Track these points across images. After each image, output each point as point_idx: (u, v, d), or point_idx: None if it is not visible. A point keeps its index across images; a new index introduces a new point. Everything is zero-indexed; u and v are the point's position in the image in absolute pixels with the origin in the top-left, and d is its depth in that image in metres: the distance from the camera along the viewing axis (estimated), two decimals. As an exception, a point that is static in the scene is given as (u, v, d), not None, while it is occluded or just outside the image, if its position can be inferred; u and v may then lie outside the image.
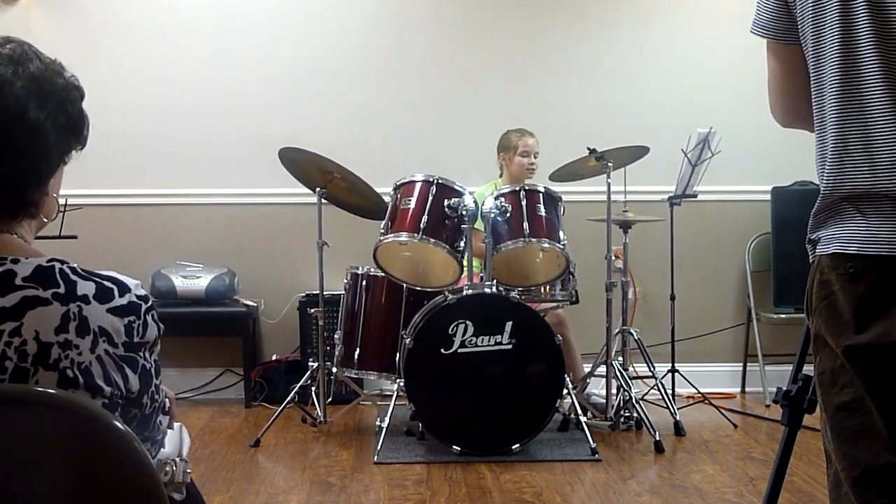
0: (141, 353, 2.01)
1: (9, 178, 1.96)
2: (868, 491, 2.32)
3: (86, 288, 1.94)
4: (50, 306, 1.90)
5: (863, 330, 2.25)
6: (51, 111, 1.97)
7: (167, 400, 2.20)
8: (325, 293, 6.34)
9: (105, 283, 1.98)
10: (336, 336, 6.39)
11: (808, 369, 2.70)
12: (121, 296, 1.98)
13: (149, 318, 2.03)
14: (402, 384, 5.90)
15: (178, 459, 2.11)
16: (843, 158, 2.30)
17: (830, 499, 2.44)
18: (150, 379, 2.04)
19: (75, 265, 1.97)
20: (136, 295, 2.01)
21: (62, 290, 1.92)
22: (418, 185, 6.00)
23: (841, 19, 2.29)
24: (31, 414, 1.85)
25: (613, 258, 6.39)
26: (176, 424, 2.35)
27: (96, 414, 1.85)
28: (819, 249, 2.37)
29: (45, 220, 2.09)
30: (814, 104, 2.40)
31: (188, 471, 2.13)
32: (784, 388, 2.76)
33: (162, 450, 2.23)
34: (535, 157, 6.81)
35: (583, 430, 5.90)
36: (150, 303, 2.04)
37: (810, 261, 2.43)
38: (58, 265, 1.95)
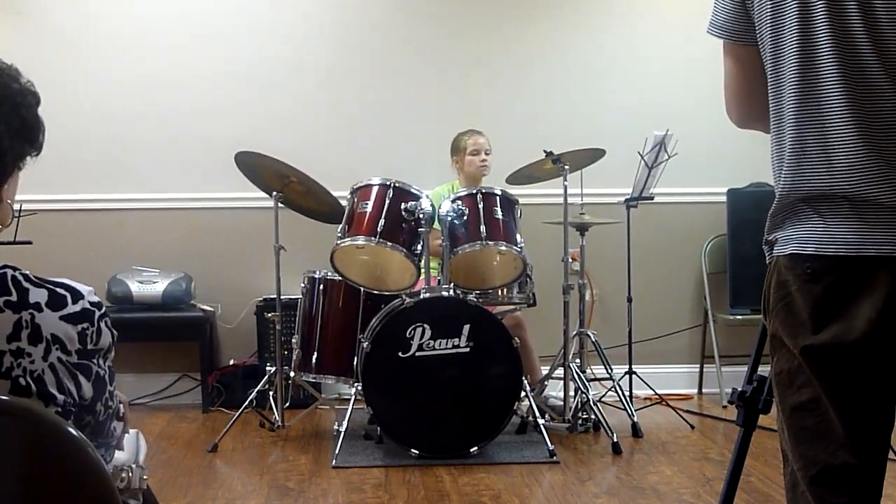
0: (94, 360, 2.00)
1: None
2: (824, 490, 2.34)
3: (38, 295, 1.93)
4: (1, 314, 1.89)
5: (820, 330, 2.27)
6: (4, 116, 1.94)
7: (121, 405, 2.19)
8: (282, 297, 6.31)
9: (58, 290, 1.96)
10: (293, 340, 6.36)
11: (763, 370, 2.72)
12: (74, 303, 1.97)
13: (102, 324, 2.01)
14: (359, 388, 5.88)
15: (134, 466, 2.10)
16: (801, 160, 2.32)
17: (787, 498, 2.46)
18: (104, 386, 2.02)
19: (27, 272, 1.96)
20: (89, 301, 2.00)
21: (14, 297, 1.90)
22: (375, 189, 5.99)
23: (800, 21, 2.30)
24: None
25: (570, 261, 6.39)
26: (133, 430, 2.34)
27: (50, 420, 1.84)
28: (776, 250, 2.39)
29: (0, 226, 2.07)
30: (771, 105, 2.41)
31: (144, 477, 2.12)
32: (739, 389, 2.77)
33: (118, 456, 2.22)
34: (486, 155, 6.81)
35: (541, 432, 5.89)
36: (103, 309, 2.03)
37: (767, 262, 2.44)
38: (10, 272, 1.94)
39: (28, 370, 1.89)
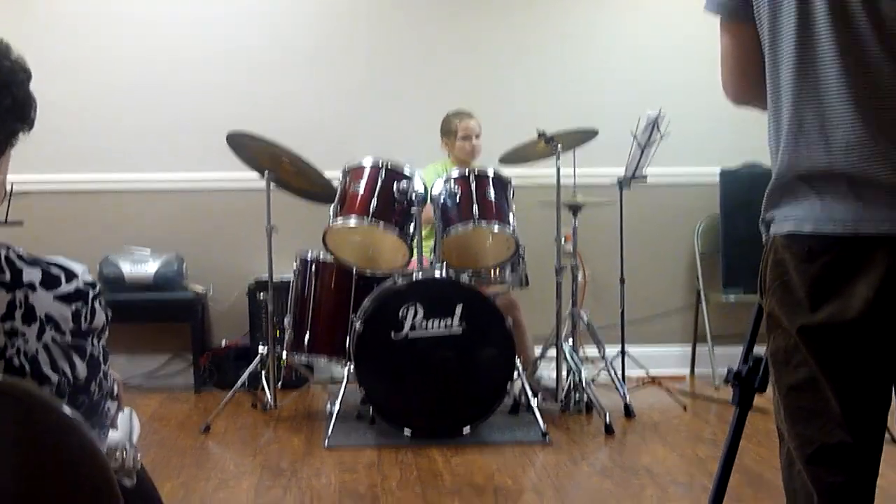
0: (89, 340, 1.98)
1: None
2: (820, 469, 2.34)
3: (32, 275, 1.91)
4: None
5: (817, 309, 2.26)
6: None
7: (115, 385, 2.18)
8: (274, 278, 6.30)
9: (52, 269, 1.95)
10: (286, 321, 6.35)
11: (759, 350, 2.71)
12: (68, 282, 1.95)
13: (97, 304, 2.00)
14: (352, 368, 5.87)
15: (128, 445, 2.08)
16: (799, 138, 2.31)
17: (783, 477, 2.46)
18: (98, 366, 2.01)
19: (21, 251, 1.94)
20: (83, 281, 1.98)
21: (7, 276, 1.89)
22: (367, 170, 5.97)
23: None
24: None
25: (563, 241, 6.38)
26: (126, 409, 2.32)
27: (44, 401, 1.82)
28: (773, 229, 2.38)
29: None
30: (768, 83, 2.40)
31: (139, 457, 2.11)
32: (735, 369, 2.76)
33: (112, 435, 2.21)
34: (476, 139, 6.78)
35: (533, 412, 5.89)
36: (97, 289, 2.01)
37: (764, 241, 2.43)
38: (3, 251, 1.92)
39: (22, 350, 1.87)
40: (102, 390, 2.05)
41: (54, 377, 1.91)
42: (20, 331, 1.87)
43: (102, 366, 2.03)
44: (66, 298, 1.94)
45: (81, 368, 1.96)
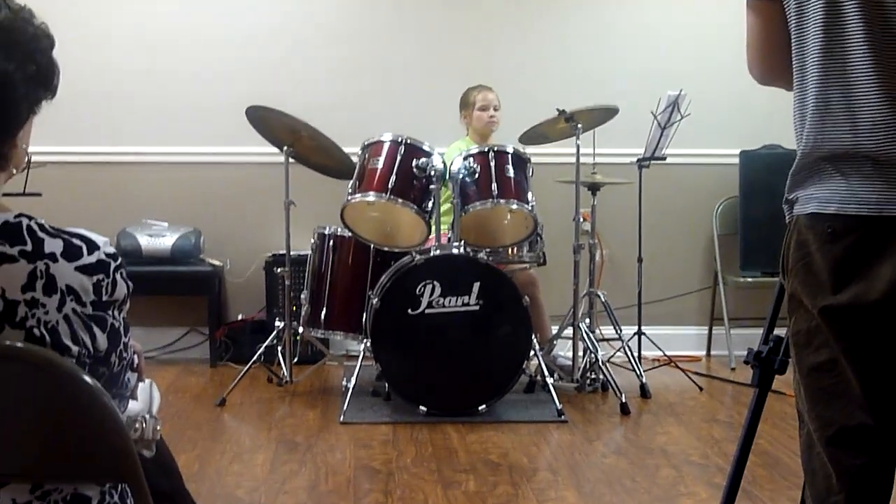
0: (109, 312, 1.98)
1: None
2: (840, 451, 2.33)
3: (53, 246, 1.90)
4: (16, 264, 1.86)
5: (839, 290, 2.25)
6: (19, 61, 1.91)
7: (135, 356, 2.18)
8: (291, 253, 6.30)
9: (73, 240, 1.94)
10: (302, 296, 6.35)
11: (779, 331, 2.70)
12: (89, 254, 1.94)
13: (118, 276, 1.99)
14: (368, 344, 5.87)
15: (148, 416, 2.08)
16: (825, 118, 2.29)
17: (802, 459, 2.45)
18: (118, 337, 2.01)
19: (43, 222, 1.93)
20: (105, 253, 1.97)
21: (29, 247, 1.88)
22: (386, 145, 5.96)
23: None
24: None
25: (581, 220, 6.37)
26: (146, 381, 2.32)
27: (66, 369, 1.83)
28: (797, 209, 2.36)
29: (14, 171, 2.04)
30: (794, 62, 2.38)
31: (158, 428, 2.10)
32: (755, 350, 2.74)
33: (132, 406, 2.21)
34: (494, 111, 6.76)
35: (549, 391, 5.89)
36: (119, 261, 2.01)
37: (787, 221, 2.42)
38: (25, 221, 1.91)
39: (42, 321, 1.87)
40: (123, 361, 2.05)
41: (74, 348, 1.90)
42: (41, 301, 1.87)
43: (123, 337, 2.03)
44: (87, 270, 1.93)
45: (102, 340, 1.96)
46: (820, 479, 2.36)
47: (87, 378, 1.83)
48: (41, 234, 1.91)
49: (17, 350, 1.82)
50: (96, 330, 1.94)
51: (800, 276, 2.34)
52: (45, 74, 1.98)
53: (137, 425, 2.04)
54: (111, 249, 1.99)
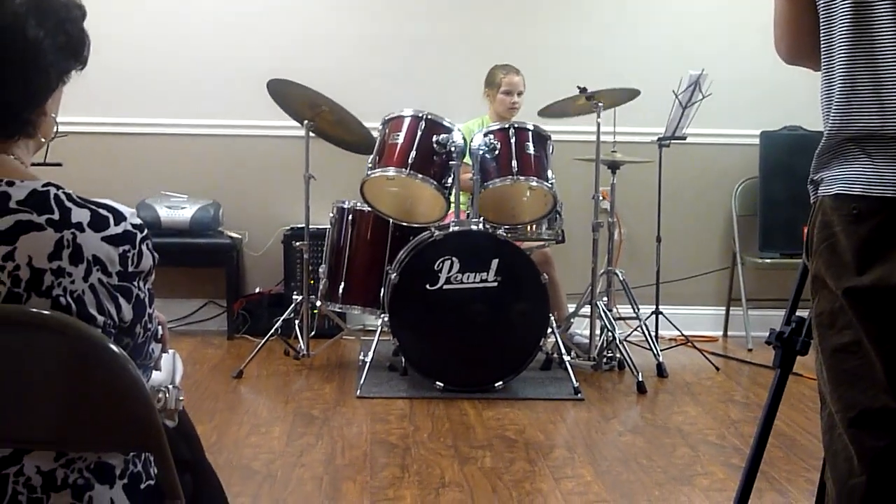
0: (135, 283, 1.99)
1: (6, 97, 1.92)
2: (862, 433, 2.32)
3: (80, 215, 1.91)
4: (44, 232, 1.87)
5: (864, 272, 2.23)
6: (49, 30, 1.92)
7: (160, 326, 2.19)
8: (310, 227, 6.31)
9: (100, 210, 1.94)
10: (321, 270, 6.36)
11: (802, 312, 2.69)
12: (116, 224, 1.95)
13: (144, 247, 2.00)
14: (386, 319, 5.88)
15: (171, 387, 2.09)
16: (851, 99, 2.28)
17: (824, 440, 2.44)
18: (143, 308, 2.02)
19: (70, 192, 1.94)
20: (131, 224, 1.98)
21: (56, 216, 1.89)
22: (407, 121, 5.96)
23: None
24: (25, 335, 1.84)
25: (600, 198, 6.37)
26: (170, 351, 2.34)
27: (92, 337, 1.84)
28: (822, 190, 2.35)
29: (42, 140, 2.05)
30: (822, 42, 2.37)
31: (181, 398, 2.11)
32: (777, 330, 2.73)
33: (155, 376, 2.22)
34: (518, 97, 6.74)
35: (566, 369, 5.90)
36: (145, 232, 2.01)
37: (811, 202, 2.40)
38: (53, 190, 1.92)
39: (68, 290, 1.88)
40: (147, 332, 2.06)
41: (100, 318, 1.91)
42: (67, 270, 1.88)
43: (148, 308, 2.04)
44: (113, 240, 1.94)
45: (127, 310, 1.97)
46: (841, 460, 2.36)
47: (114, 346, 1.84)
48: (68, 204, 1.91)
49: (44, 317, 1.83)
50: (122, 300, 1.95)
51: (824, 256, 2.33)
52: (75, 44, 1.99)
53: (161, 395, 2.05)
54: (137, 220, 2.00)
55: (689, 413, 5.57)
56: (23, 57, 1.91)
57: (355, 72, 7.31)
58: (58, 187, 1.93)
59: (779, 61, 2.59)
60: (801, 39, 2.48)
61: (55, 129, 2.06)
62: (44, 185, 1.92)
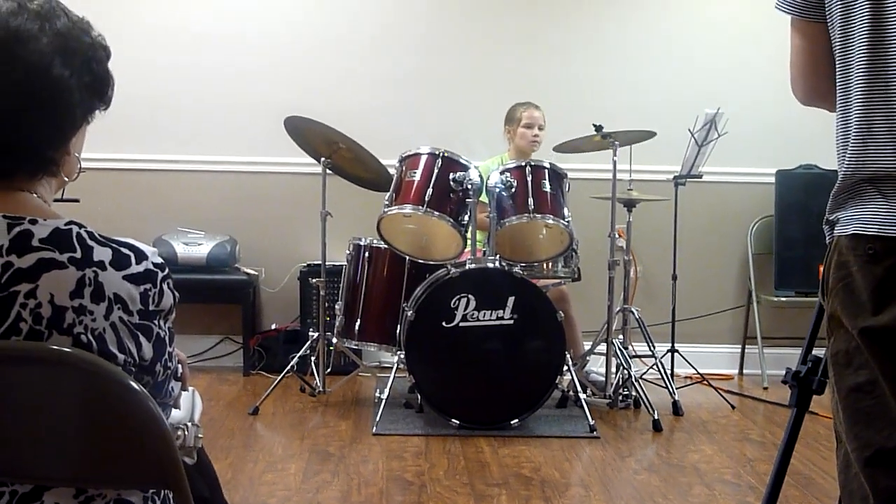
0: (156, 322, 1.99)
1: (30, 135, 1.94)
2: (877, 472, 2.32)
3: (102, 254, 1.92)
4: (65, 270, 1.88)
5: (880, 311, 2.24)
6: (76, 69, 1.95)
7: (179, 365, 2.20)
8: (326, 263, 6.33)
9: (122, 249, 1.95)
10: (337, 307, 6.37)
11: (818, 352, 2.69)
12: (137, 263, 1.96)
13: (165, 286, 2.00)
14: (402, 356, 5.89)
15: (189, 424, 2.10)
16: (867, 140, 2.29)
17: (840, 479, 2.44)
18: (163, 347, 2.02)
19: (93, 230, 1.95)
20: (152, 263, 1.99)
21: (78, 254, 1.90)
22: (424, 158, 5.98)
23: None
24: (46, 372, 1.85)
25: (616, 236, 6.38)
26: (189, 389, 2.34)
27: (113, 374, 1.85)
28: (837, 230, 2.36)
29: (65, 179, 2.06)
30: (838, 83, 2.38)
31: (199, 436, 2.12)
32: (794, 369, 2.74)
33: (174, 414, 2.23)
34: (539, 130, 6.77)
35: (581, 407, 5.90)
36: (166, 271, 2.02)
37: (827, 241, 2.42)
38: (75, 229, 1.93)
39: (89, 328, 1.88)
40: (167, 371, 2.07)
41: (120, 356, 1.91)
42: (88, 308, 1.88)
43: (168, 347, 2.04)
44: (135, 279, 1.95)
45: (147, 349, 1.97)
46: (857, 499, 2.36)
47: (134, 384, 1.85)
48: (90, 242, 1.93)
49: (66, 355, 1.84)
50: (142, 339, 1.96)
51: (840, 296, 2.34)
52: (100, 84, 2.02)
53: (179, 433, 2.05)
54: (159, 260, 2.01)
55: (705, 451, 5.56)
56: (49, 96, 1.92)
57: (372, 109, 7.34)
58: (80, 226, 1.94)
59: (795, 100, 2.61)
60: (817, 82, 2.50)
61: (79, 168, 2.08)
62: (66, 224, 1.93)
